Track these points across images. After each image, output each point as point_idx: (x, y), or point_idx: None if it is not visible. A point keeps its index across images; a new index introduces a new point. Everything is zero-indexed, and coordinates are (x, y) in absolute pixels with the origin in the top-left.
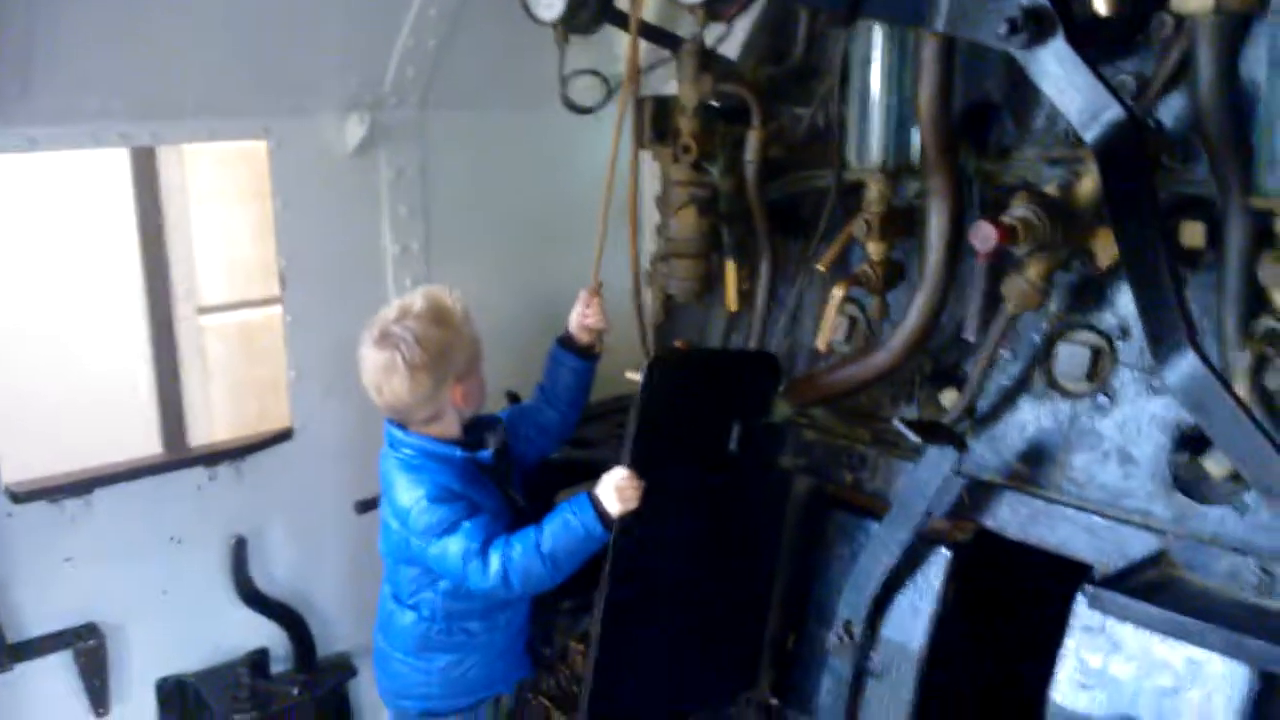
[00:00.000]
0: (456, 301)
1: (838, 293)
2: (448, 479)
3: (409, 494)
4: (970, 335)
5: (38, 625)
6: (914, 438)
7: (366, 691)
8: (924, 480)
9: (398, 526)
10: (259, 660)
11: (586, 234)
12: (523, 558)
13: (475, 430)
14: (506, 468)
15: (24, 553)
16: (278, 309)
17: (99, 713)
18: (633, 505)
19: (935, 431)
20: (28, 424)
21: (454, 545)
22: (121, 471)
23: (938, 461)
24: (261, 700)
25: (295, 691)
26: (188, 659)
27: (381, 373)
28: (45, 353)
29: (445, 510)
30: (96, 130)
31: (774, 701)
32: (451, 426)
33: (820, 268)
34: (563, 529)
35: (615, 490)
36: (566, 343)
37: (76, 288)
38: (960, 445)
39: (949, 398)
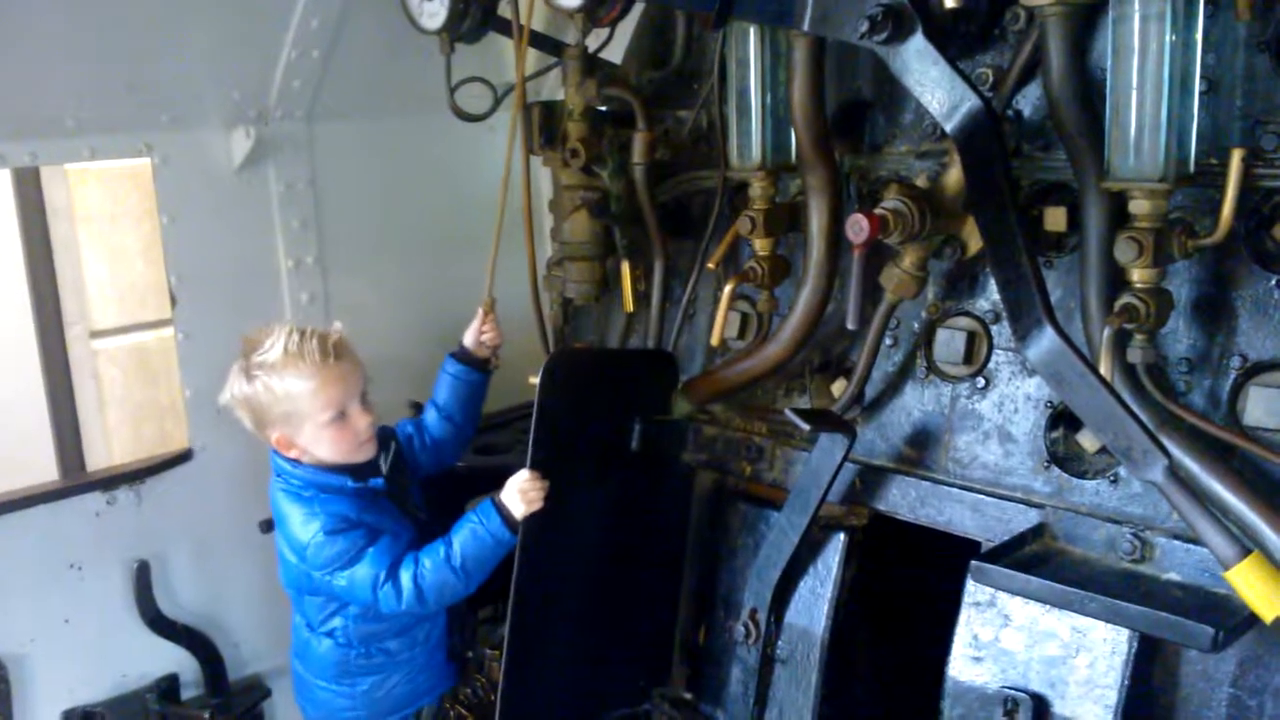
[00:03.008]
0: (314, 343)
1: (728, 289)
2: (342, 507)
3: (304, 529)
4: (851, 324)
5: None
6: (804, 426)
7: (282, 712)
8: (818, 468)
9: (295, 560)
10: (168, 687)
11: (482, 241)
12: (435, 573)
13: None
14: (404, 484)
15: None
16: (169, 330)
17: None
18: (537, 506)
19: (825, 420)
20: None
21: (361, 574)
22: (15, 499)
23: (830, 449)
24: None
25: (207, 716)
26: (94, 689)
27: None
28: None
29: (344, 542)
30: None
31: (688, 696)
32: (319, 460)
33: (710, 266)
34: (471, 539)
35: (519, 493)
36: (463, 358)
37: None
38: (849, 432)
39: (839, 387)
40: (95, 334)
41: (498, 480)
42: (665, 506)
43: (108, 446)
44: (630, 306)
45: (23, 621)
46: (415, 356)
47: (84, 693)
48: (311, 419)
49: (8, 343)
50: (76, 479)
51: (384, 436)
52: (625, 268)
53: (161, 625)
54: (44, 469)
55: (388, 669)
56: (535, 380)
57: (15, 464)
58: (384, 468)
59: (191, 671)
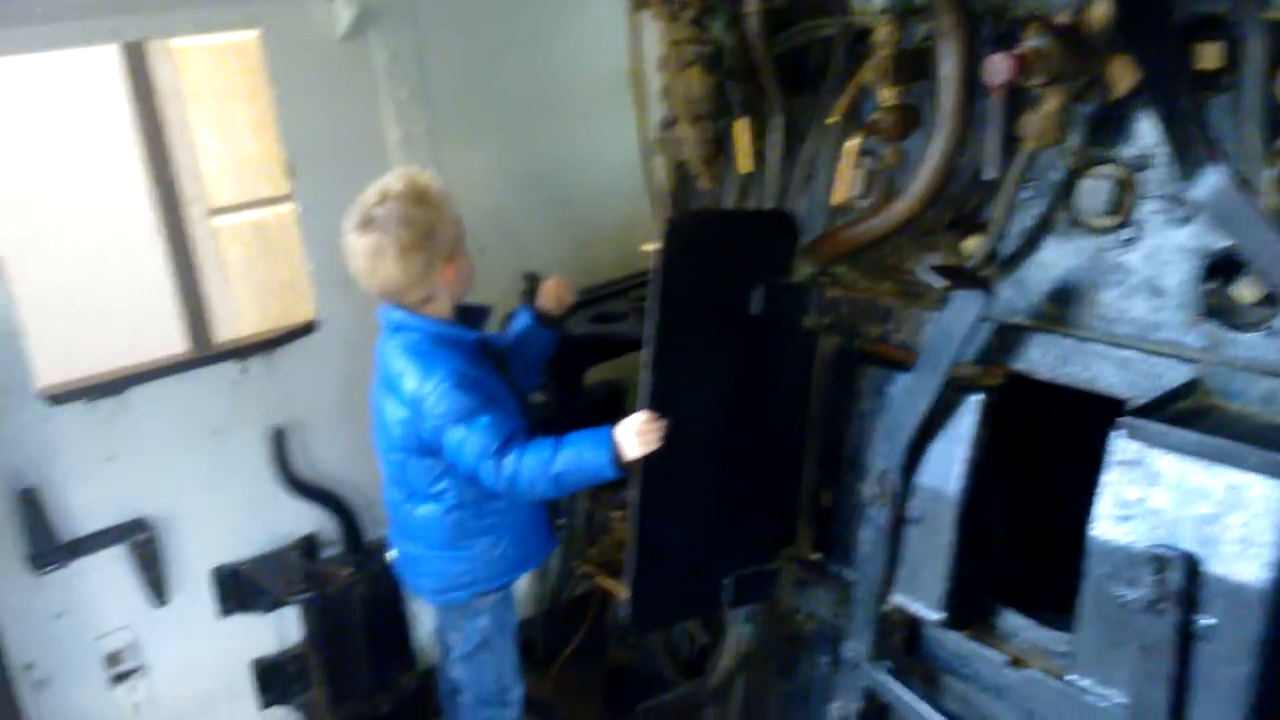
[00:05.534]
0: (434, 180)
1: (852, 144)
2: (461, 363)
3: (424, 380)
4: (991, 173)
5: (90, 522)
6: (940, 283)
7: None
8: (951, 327)
9: (407, 415)
10: (309, 545)
11: (588, 106)
12: (531, 471)
13: (466, 316)
14: (501, 356)
15: (66, 454)
16: (288, 206)
17: (159, 602)
18: (653, 447)
19: (961, 276)
20: (58, 331)
21: (472, 440)
22: (154, 369)
23: (964, 307)
24: (317, 582)
25: (348, 572)
26: (239, 547)
27: (370, 257)
28: (68, 262)
29: (465, 397)
30: (85, 28)
31: (815, 556)
32: (445, 308)
33: (830, 120)
34: (577, 460)
35: (636, 434)
36: (539, 317)
37: (90, 197)
38: (986, 288)
39: (971, 244)
40: (214, 211)
41: (614, 349)
42: (788, 370)
43: (235, 322)
44: (747, 167)
45: (169, 485)
46: (524, 226)
47: (230, 551)
48: (464, 246)
49: (132, 224)
50: (213, 349)
51: (482, 308)
52: (740, 126)
53: (299, 487)
54: (177, 346)
55: (499, 529)
56: (650, 247)
57: (148, 341)
58: (484, 329)
59: (329, 532)
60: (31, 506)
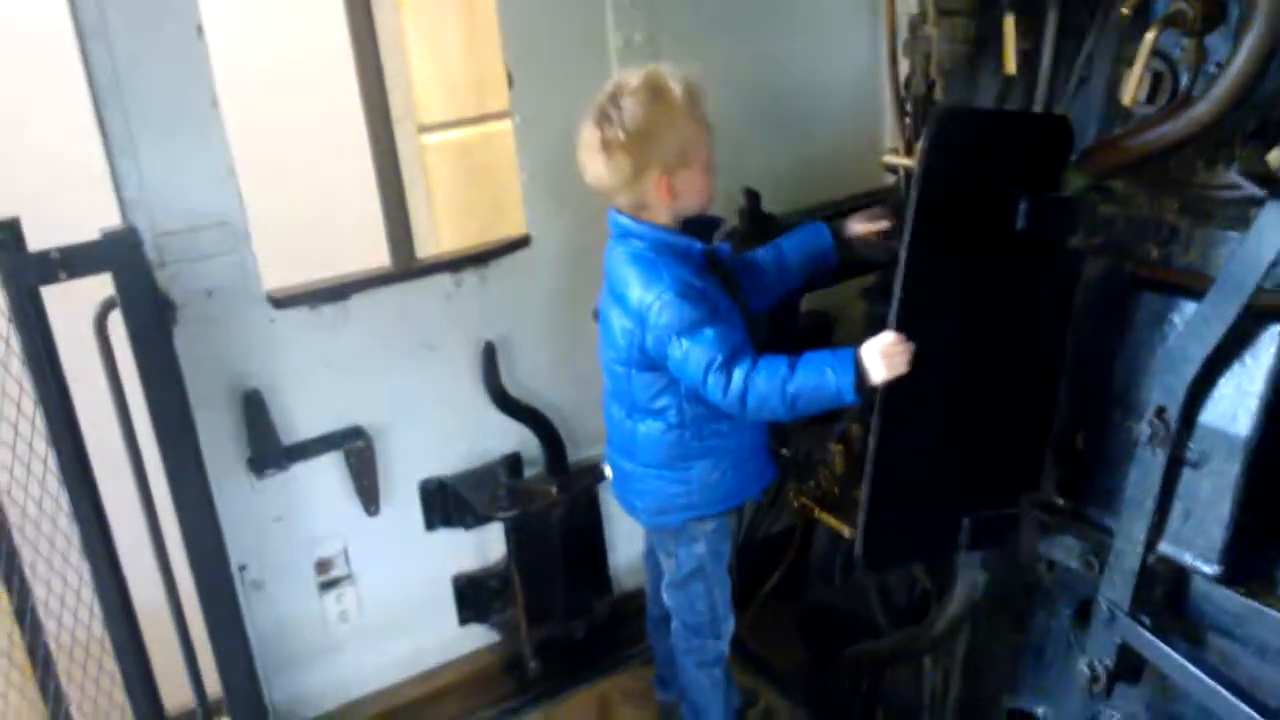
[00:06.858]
0: (681, 82)
1: (1150, 36)
2: (686, 273)
3: (648, 290)
4: None
5: (309, 428)
6: (1255, 190)
7: (614, 498)
8: (1257, 247)
9: (632, 326)
10: (513, 463)
11: (820, 12)
12: (765, 386)
13: (694, 227)
14: (728, 271)
15: (289, 357)
16: (492, 126)
17: (371, 511)
18: (900, 372)
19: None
20: (272, 241)
21: (697, 352)
22: (374, 278)
23: (1276, 224)
24: (521, 499)
25: (554, 490)
26: (446, 461)
27: (585, 150)
28: (283, 173)
29: (690, 308)
30: None
31: (1060, 501)
32: (660, 217)
33: (1124, 10)
34: (816, 379)
35: (881, 355)
36: (837, 234)
37: (306, 109)
38: None
39: (1276, 156)
40: (423, 129)
41: (848, 270)
42: (1046, 294)
43: (436, 239)
44: (1012, 68)
45: (382, 395)
46: (743, 139)
47: (437, 464)
48: (698, 160)
49: (343, 138)
50: (428, 261)
51: (714, 219)
52: (1009, 21)
53: (506, 404)
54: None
55: (719, 452)
56: (891, 159)
57: (353, 256)
58: (719, 240)
59: (531, 451)
60: (255, 409)
